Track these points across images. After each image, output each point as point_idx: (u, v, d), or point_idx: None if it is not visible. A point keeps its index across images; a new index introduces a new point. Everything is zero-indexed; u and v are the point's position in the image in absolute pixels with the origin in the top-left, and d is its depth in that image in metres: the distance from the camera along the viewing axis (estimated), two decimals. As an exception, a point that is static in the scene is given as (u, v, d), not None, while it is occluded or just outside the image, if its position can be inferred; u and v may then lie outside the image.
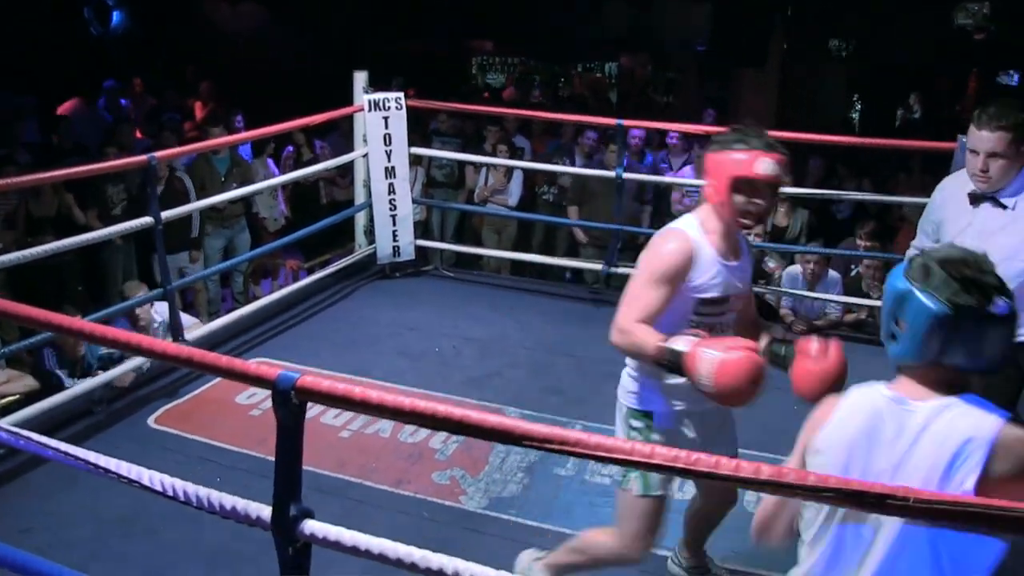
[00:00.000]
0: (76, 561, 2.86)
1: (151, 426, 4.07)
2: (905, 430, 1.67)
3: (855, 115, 13.23)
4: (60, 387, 4.08)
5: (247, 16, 12.44)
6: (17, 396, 4.10)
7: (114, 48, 10.26)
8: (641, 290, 2.43)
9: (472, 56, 15.27)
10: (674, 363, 2.26)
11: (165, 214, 4.52)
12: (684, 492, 3.19)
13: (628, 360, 2.60)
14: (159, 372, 4.53)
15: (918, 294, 1.65)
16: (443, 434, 4.03)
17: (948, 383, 1.68)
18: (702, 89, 12.36)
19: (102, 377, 4.23)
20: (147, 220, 4.42)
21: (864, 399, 1.75)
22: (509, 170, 7.45)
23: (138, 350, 2.04)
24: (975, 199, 3.04)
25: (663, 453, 1.46)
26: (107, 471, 1.89)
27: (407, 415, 1.61)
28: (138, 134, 8.06)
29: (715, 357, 2.18)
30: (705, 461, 1.43)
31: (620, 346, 2.43)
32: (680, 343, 2.27)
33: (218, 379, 4.48)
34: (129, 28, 10.26)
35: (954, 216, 3.10)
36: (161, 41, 11.22)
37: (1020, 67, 13.22)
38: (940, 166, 5.01)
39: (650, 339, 2.33)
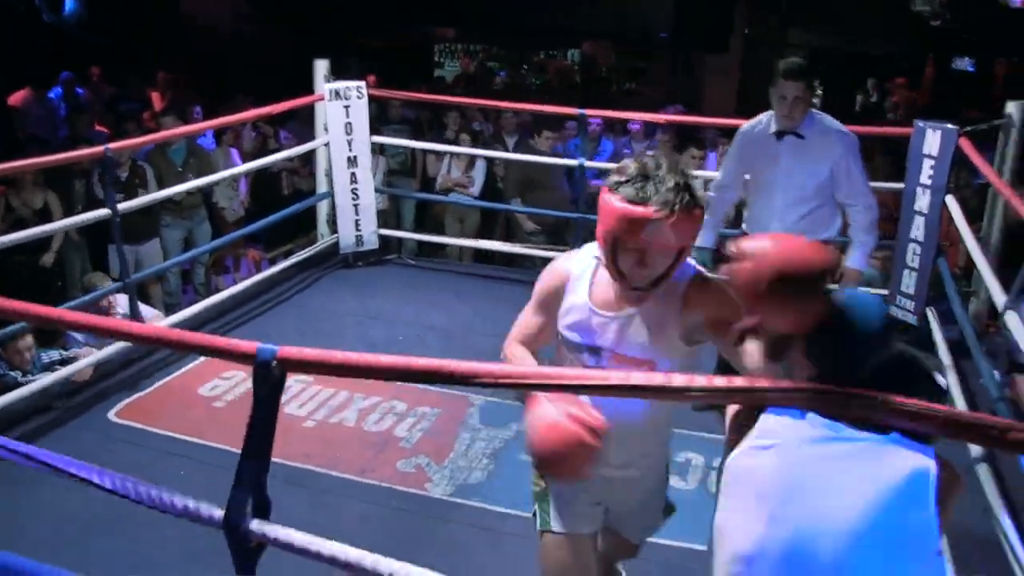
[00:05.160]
0: (45, 559, 2.83)
1: (112, 420, 4.02)
2: None
3: (816, 100, 13.35)
4: (15, 386, 4.02)
5: (210, 4, 12.29)
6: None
7: (69, 36, 10.08)
8: (526, 309, 2.31)
9: (434, 43, 15.22)
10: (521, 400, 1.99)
11: (122, 206, 4.48)
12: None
13: None
14: (119, 365, 4.48)
15: None
16: (408, 422, 4.04)
17: None
18: (665, 75, 12.43)
19: (61, 372, 4.18)
20: (104, 212, 4.37)
21: None
22: (472, 159, 7.43)
23: (115, 334, 2.03)
24: (780, 135, 3.78)
25: (639, 377, 1.50)
26: (56, 468, 1.86)
27: (386, 371, 1.63)
28: (98, 125, 7.93)
29: (544, 418, 1.86)
30: (679, 379, 1.45)
31: None
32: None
33: (180, 371, 4.46)
34: (82, 15, 10.07)
35: (764, 152, 3.85)
36: (120, 29, 11.04)
37: (973, 54, 13.43)
38: (898, 148, 5.11)
39: (518, 363, 2.20)
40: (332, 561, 1.66)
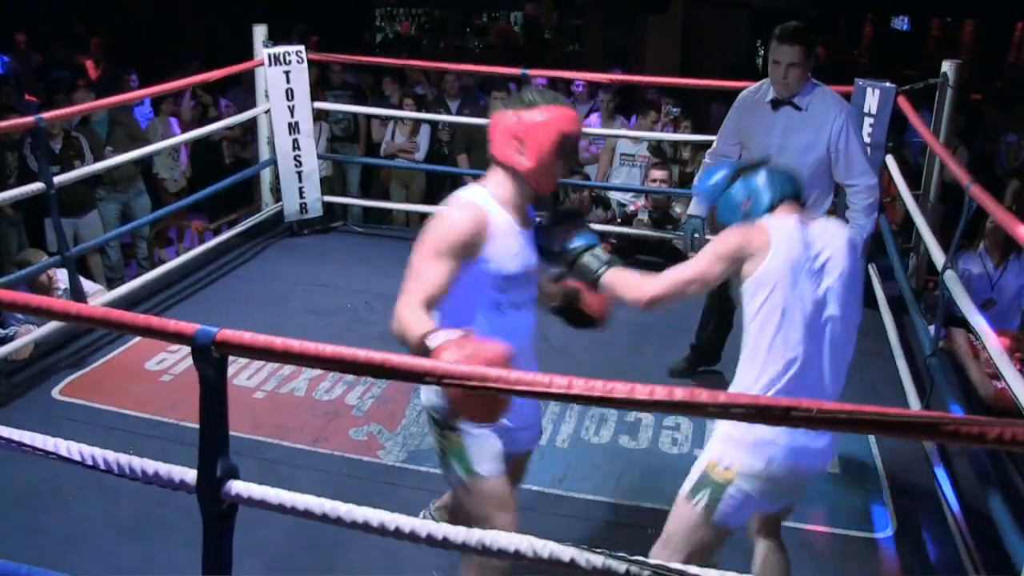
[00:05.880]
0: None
1: (56, 398, 3.94)
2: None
3: (759, 60, 13.46)
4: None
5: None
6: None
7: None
8: (422, 266, 2.14)
9: (375, 6, 14.99)
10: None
11: (59, 178, 4.36)
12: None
13: None
14: (62, 342, 4.39)
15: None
16: (359, 390, 4.03)
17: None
18: (607, 36, 12.39)
19: None
20: (39, 186, 4.24)
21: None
22: (416, 124, 7.37)
23: (51, 314, 1.98)
24: (776, 104, 3.60)
25: (579, 384, 1.43)
26: (20, 444, 1.83)
27: (328, 362, 1.61)
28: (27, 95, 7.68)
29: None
30: (621, 389, 1.42)
31: (396, 335, 2.07)
32: (440, 337, 1.91)
33: (125, 346, 4.39)
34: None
35: (760, 121, 3.65)
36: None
37: (909, 12, 13.64)
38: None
39: (417, 327, 1.99)
40: (307, 515, 1.66)
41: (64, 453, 1.78)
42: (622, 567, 1.42)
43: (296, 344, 1.60)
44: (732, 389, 2.29)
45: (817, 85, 3.58)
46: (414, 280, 2.13)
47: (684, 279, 2.33)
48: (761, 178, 2.45)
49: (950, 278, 3.54)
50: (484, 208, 2.22)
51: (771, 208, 2.40)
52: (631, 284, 2.33)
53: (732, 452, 2.27)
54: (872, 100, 4.77)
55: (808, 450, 2.27)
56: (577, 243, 2.36)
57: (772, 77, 3.54)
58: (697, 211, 3.82)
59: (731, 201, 2.49)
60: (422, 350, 1.91)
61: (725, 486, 2.25)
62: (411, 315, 2.05)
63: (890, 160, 4.82)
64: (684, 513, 2.31)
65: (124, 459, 1.76)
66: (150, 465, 1.74)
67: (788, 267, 2.26)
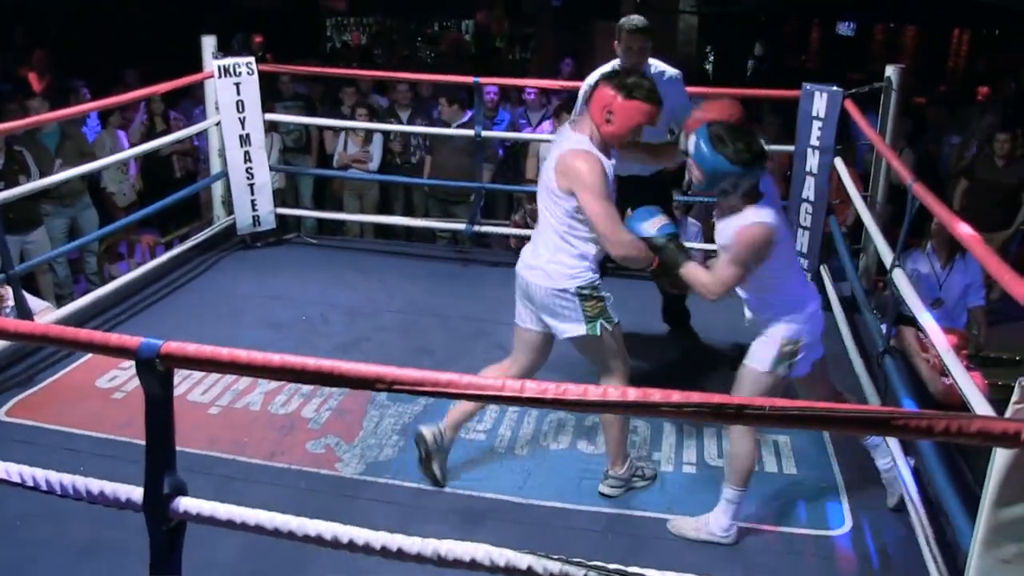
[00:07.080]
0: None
1: (2, 419, 3.84)
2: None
3: (709, 66, 13.63)
4: None
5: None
6: None
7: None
8: (605, 205, 3.07)
9: (325, 17, 14.91)
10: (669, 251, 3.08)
11: (2, 195, 4.26)
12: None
13: (555, 253, 3.19)
14: (9, 361, 4.28)
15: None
16: (315, 403, 4.00)
17: None
18: (558, 43, 12.46)
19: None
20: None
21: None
22: (369, 134, 7.34)
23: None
24: None
25: (532, 388, 1.47)
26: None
27: (277, 372, 1.59)
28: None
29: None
30: (574, 391, 1.44)
31: (626, 257, 3.12)
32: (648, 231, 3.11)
33: (76, 364, 4.30)
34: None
35: None
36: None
37: (855, 18, 13.91)
38: (787, 111, 5.26)
39: (641, 247, 3.10)
40: (258, 530, 1.64)
41: (3, 475, 1.74)
42: (579, 572, 1.42)
43: (243, 354, 1.58)
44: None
45: (649, 60, 4.32)
46: (607, 219, 3.07)
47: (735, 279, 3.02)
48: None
49: (898, 277, 3.60)
50: (599, 153, 3.16)
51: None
52: (701, 282, 3.05)
53: (795, 330, 3.11)
54: (820, 103, 4.84)
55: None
56: (663, 232, 3.09)
57: (626, 61, 4.23)
58: None
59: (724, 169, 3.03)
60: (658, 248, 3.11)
61: (797, 352, 3.11)
62: (632, 240, 3.11)
63: (839, 163, 4.89)
64: (764, 381, 3.11)
65: (68, 479, 1.72)
66: (95, 484, 1.71)
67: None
